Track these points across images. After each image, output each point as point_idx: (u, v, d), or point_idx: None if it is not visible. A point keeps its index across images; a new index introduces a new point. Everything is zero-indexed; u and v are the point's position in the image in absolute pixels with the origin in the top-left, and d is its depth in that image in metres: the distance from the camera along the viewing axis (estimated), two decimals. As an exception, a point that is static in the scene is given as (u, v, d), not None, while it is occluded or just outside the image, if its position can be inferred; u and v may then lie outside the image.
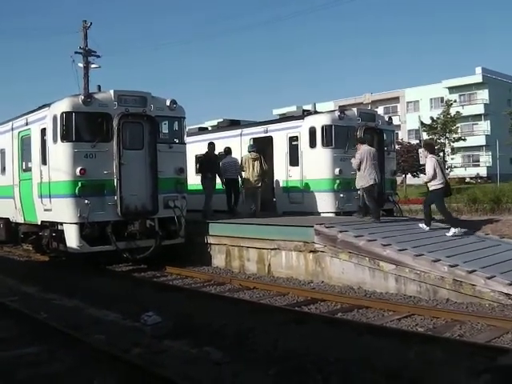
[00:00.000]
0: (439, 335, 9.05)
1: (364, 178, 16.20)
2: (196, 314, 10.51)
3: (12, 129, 19.17)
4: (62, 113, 15.45)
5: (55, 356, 7.97)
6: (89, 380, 6.96)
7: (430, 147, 17.25)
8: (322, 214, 18.42)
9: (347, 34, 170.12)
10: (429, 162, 15.58)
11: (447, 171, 58.37)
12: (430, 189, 15.72)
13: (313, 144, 18.91)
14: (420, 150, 26.19)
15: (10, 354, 8.09)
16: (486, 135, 78.70)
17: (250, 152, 18.99)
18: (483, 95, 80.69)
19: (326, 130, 18.77)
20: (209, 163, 19.07)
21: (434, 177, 15.38)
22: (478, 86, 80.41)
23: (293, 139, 19.85)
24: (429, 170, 15.45)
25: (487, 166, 76.79)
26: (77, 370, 7.40)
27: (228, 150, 19.99)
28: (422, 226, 16.00)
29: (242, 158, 19.48)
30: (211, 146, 19.62)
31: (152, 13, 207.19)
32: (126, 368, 7.21)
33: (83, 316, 10.76)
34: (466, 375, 6.95)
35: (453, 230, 15.41)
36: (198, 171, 20.17)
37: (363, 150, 16.31)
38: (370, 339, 8.67)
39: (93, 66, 36.53)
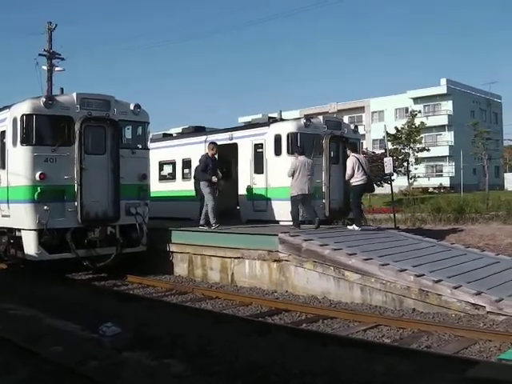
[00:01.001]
0: (406, 346, 8.90)
1: (294, 188, 16.38)
2: (157, 324, 10.22)
3: (-31, 131, 18.61)
4: (23, 115, 15.09)
5: (8, 368, 7.60)
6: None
7: (353, 146, 17.76)
8: (287, 223, 18.21)
9: (311, 41, 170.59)
10: (349, 160, 16.64)
11: (411, 180, 59.15)
12: (352, 185, 16.66)
13: (278, 152, 18.72)
14: (386, 160, 26.33)
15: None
16: (450, 146, 79.55)
17: None
18: (447, 106, 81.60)
19: (291, 137, 18.58)
20: (214, 166, 17.66)
21: (353, 175, 16.32)
22: (442, 97, 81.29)
23: (258, 146, 19.65)
24: (348, 168, 16.49)
25: (450, 176, 77.66)
26: (30, 382, 7.05)
27: None
28: (353, 227, 16.72)
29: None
30: (216, 147, 18.04)
31: (116, 14, 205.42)
32: (82, 382, 6.88)
33: (40, 326, 10.36)
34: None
35: (354, 227, 16.67)
36: (199, 174, 17.94)
37: (299, 160, 16.52)
38: (336, 350, 8.47)
39: (57, 68, 35.98)
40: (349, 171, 16.45)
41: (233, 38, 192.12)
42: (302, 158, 16.65)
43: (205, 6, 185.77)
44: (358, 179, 16.41)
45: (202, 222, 17.20)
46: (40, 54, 35.50)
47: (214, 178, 17.05)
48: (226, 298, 13.52)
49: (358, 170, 16.36)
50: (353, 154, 16.78)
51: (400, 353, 8.24)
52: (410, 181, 60.19)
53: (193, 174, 20.09)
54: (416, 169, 62.90)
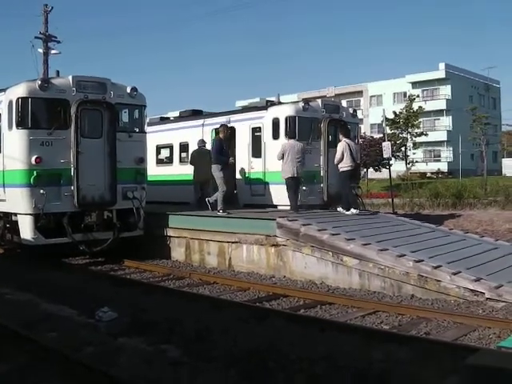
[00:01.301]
0: (405, 333, 8.83)
1: (284, 171, 16.52)
2: (154, 309, 10.17)
3: (-35, 114, 18.46)
4: (18, 98, 14.93)
5: (2, 356, 7.52)
6: (36, 382, 6.54)
7: (345, 131, 17.70)
8: (285, 207, 18.12)
9: (311, 28, 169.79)
10: (340, 145, 16.71)
11: (409, 165, 59.05)
12: (339, 170, 16.69)
13: (276, 135, 18.56)
14: (384, 144, 26.25)
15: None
16: (448, 131, 79.31)
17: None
18: (446, 91, 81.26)
19: (289, 121, 18.39)
20: (227, 148, 17.53)
21: (342, 159, 16.36)
22: (440, 81, 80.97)
23: (256, 130, 19.49)
24: (338, 152, 16.57)
25: (448, 162, 77.46)
26: (25, 370, 6.98)
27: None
28: (342, 210, 16.87)
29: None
30: (228, 129, 17.95)
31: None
32: (77, 368, 6.80)
33: (37, 311, 10.32)
34: (433, 375, 6.70)
35: (341, 209, 16.89)
36: (214, 157, 17.19)
37: (289, 143, 16.68)
38: (334, 336, 8.42)
39: (53, 51, 35.68)
40: (338, 155, 16.57)
41: (229, 23, 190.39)
42: (291, 141, 16.75)
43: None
44: (346, 164, 16.53)
45: (211, 200, 16.96)
46: (36, 37, 35.20)
47: (232, 160, 17.30)
48: (223, 283, 13.45)
49: (347, 156, 16.45)
50: (344, 138, 16.85)
51: (398, 339, 8.18)
52: (408, 166, 60.06)
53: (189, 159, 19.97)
54: (414, 154, 62.78)
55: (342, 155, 16.41)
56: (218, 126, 20.73)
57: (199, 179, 19.07)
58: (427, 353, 7.49)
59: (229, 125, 20.41)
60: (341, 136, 17.16)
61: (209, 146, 19.42)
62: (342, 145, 16.56)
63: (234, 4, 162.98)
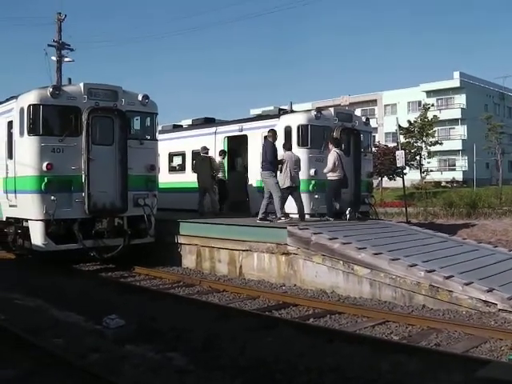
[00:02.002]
0: (415, 344, 8.70)
1: (282, 180, 16.41)
2: (162, 317, 10.13)
3: (-22, 121, 18.55)
4: (29, 105, 14.98)
5: (8, 362, 7.48)
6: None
7: (336, 141, 17.66)
8: (296, 215, 18.05)
9: (325, 36, 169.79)
10: (331, 154, 16.87)
11: (423, 174, 58.82)
12: (328, 179, 16.90)
13: (288, 143, 18.46)
14: (398, 153, 26.13)
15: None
16: (463, 140, 78.96)
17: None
18: (460, 100, 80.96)
19: (301, 129, 18.34)
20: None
21: (333, 169, 16.62)
22: (455, 90, 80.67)
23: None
24: (330, 162, 16.73)
25: (463, 171, 77.11)
26: (29, 376, 6.95)
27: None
28: (326, 218, 16.89)
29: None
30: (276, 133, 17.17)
31: (118, 7, 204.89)
32: (82, 375, 6.74)
33: (45, 317, 10.33)
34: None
35: (327, 218, 16.89)
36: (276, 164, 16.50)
37: (287, 154, 16.65)
38: (343, 347, 8.32)
39: (66, 59, 35.85)
40: (330, 165, 16.74)
41: (244, 31, 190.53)
42: (289, 152, 16.77)
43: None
44: (335, 174, 16.77)
45: (261, 215, 16.07)
46: (49, 45, 35.39)
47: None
48: (233, 291, 13.37)
49: (338, 166, 16.70)
50: (335, 148, 17.00)
51: (408, 350, 8.06)
52: (423, 175, 59.79)
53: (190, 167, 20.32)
54: (429, 163, 62.48)
55: (334, 165, 16.64)
56: (230, 134, 20.84)
57: (202, 185, 19.16)
58: (437, 364, 7.37)
59: (241, 133, 20.45)
60: (331, 146, 17.25)
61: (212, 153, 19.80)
62: (334, 155, 16.77)
63: (249, 11, 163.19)
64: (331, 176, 16.80)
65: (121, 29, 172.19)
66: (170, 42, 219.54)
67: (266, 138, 16.91)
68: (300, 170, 16.91)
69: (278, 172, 16.40)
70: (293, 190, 16.56)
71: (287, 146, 17.01)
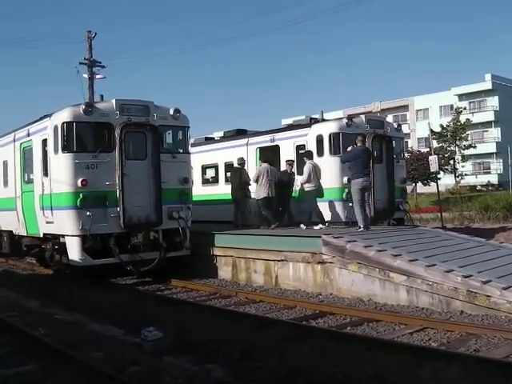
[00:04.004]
0: (454, 350, 8.62)
1: (259, 191, 17.94)
2: (199, 328, 10.19)
3: (14, 140, 18.92)
4: (63, 123, 15.19)
5: (49, 375, 7.60)
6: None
7: (309, 154, 18.12)
8: (337, 224, 18.06)
9: (353, 42, 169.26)
10: (306, 166, 17.52)
11: (458, 179, 58.28)
12: (305, 190, 17.54)
13: (320, 152, 18.52)
14: (431, 158, 25.96)
15: (2, 372, 7.73)
16: (497, 142, 78.19)
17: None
18: (493, 102, 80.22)
19: (333, 137, 18.40)
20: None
21: (308, 180, 17.26)
22: (487, 92, 79.97)
23: (300, 148, 19.49)
24: (305, 173, 17.43)
25: (498, 174, 76.27)
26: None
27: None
28: (318, 226, 17.07)
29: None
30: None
31: (145, 21, 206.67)
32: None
33: (83, 331, 10.46)
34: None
35: (302, 226, 17.34)
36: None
37: (263, 167, 18.16)
38: (381, 355, 8.27)
39: (98, 76, 36.24)
40: (305, 177, 17.41)
41: (270, 41, 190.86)
42: (265, 164, 18.19)
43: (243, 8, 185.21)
44: (311, 185, 17.34)
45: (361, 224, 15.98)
46: (81, 63, 35.78)
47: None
48: (269, 301, 13.35)
49: (313, 177, 17.30)
50: (309, 161, 17.59)
51: (447, 357, 7.99)
52: (457, 179, 59.30)
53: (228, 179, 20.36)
54: (463, 167, 62.01)
55: (309, 176, 17.24)
56: (262, 144, 20.92)
57: (233, 197, 19.22)
58: (477, 371, 7.30)
59: (273, 143, 20.51)
60: (305, 158, 17.83)
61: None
62: (309, 166, 17.37)
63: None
64: (308, 187, 17.41)
65: (146, 44, 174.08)
66: (200, 55, 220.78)
67: (355, 143, 16.65)
68: (274, 180, 18.16)
69: (255, 184, 17.94)
70: (270, 200, 18.00)
71: (264, 159, 18.83)
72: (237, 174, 19.13)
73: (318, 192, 17.50)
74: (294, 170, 19.08)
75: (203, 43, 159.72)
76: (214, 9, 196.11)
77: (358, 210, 16.04)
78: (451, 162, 58.71)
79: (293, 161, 19.18)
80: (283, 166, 19.72)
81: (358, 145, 16.40)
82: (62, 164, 15.25)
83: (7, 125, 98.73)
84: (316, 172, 17.43)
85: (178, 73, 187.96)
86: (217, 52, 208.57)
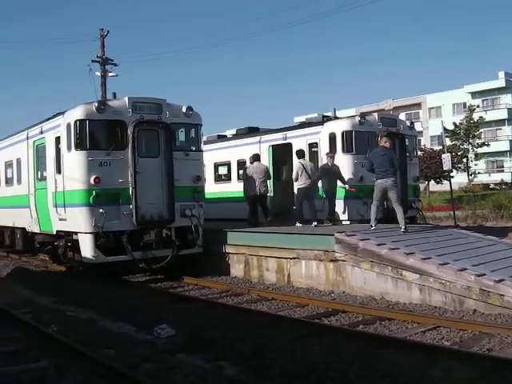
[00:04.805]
0: (466, 350, 8.58)
1: (248, 190, 18.88)
2: (211, 326, 10.18)
3: (27, 138, 19.01)
4: (76, 120, 15.24)
5: (61, 372, 7.61)
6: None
7: (300, 153, 18.41)
8: (343, 222, 18.01)
9: (366, 40, 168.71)
10: (295, 165, 17.99)
11: (471, 177, 58.02)
12: (296, 187, 18.00)
13: (333, 150, 18.47)
14: (444, 156, 25.85)
15: (16, 369, 7.72)
16: (510, 140, 77.78)
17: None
18: (506, 100, 79.75)
19: (346, 135, 18.37)
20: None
21: (297, 178, 17.56)
22: (501, 90, 79.51)
23: (312, 146, 19.47)
24: (294, 172, 17.82)
25: (511, 172, 75.81)
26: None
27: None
28: (297, 224, 17.40)
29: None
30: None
31: (159, 19, 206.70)
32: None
33: (96, 328, 10.51)
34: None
35: (297, 224, 17.46)
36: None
37: (254, 166, 18.97)
38: (393, 353, 8.23)
39: (110, 74, 36.33)
40: (294, 175, 17.79)
41: (282, 39, 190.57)
42: (255, 163, 18.94)
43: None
44: (301, 183, 17.55)
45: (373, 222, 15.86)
46: (93, 61, 35.90)
47: None
48: (282, 299, 13.35)
49: (301, 175, 17.44)
50: (298, 160, 17.89)
51: (460, 356, 7.96)
52: (470, 177, 59.04)
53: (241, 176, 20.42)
54: (476, 165, 61.74)
55: (297, 174, 17.49)
56: (274, 142, 20.90)
57: (245, 194, 19.33)
58: (490, 370, 7.26)
59: (285, 141, 20.49)
60: (295, 157, 18.41)
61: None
62: (297, 165, 17.68)
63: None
64: (298, 185, 17.75)
65: (158, 43, 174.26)
66: (211, 52, 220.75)
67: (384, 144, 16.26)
68: (268, 178, 19.13)
69: (242, 182, 18.56)
70: (259, 198, 18.82)
71: (254, 158, 19.24)
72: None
73: (309, 190, 17.51)
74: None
75: (215, 42, 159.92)
76: (227, 7, 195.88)
77: (373, 209, 16.01)
78: (464, 160, 58.44)
79: (333, 153, 18.61)
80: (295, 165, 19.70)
81: (381, 144, 16.32)
82: (74, 161, 15.30)
83: (20, 122, 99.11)
84: (307, 170, 17.45)
85: (190, 71, 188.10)
86: (229, 50, 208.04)
